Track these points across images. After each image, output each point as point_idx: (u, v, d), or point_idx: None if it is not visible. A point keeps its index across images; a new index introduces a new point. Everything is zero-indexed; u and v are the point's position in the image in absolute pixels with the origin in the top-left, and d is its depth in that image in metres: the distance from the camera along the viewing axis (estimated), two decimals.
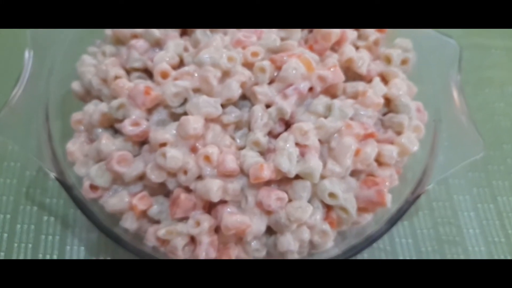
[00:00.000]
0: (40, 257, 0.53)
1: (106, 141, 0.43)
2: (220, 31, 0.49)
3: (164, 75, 0.44)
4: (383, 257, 0.55)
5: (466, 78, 0.56)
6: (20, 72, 0.48)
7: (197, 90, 0.44)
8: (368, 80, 0.50)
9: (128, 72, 0.48)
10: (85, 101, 0.50)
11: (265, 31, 0.48)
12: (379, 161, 0.45)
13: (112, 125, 0.46)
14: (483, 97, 0.69)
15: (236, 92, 0.43)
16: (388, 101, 0.48)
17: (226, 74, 0.44)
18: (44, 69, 0.51)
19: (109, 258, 0.52)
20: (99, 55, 0.51)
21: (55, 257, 0.53)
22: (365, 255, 0.55)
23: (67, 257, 0.52)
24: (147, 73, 0.48)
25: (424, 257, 0.55)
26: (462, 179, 0.61)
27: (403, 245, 0.57)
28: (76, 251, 0.53)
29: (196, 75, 0.44)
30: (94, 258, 0.53)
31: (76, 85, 0.49)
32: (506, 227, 0.59)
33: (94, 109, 0.45)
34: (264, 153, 0.43)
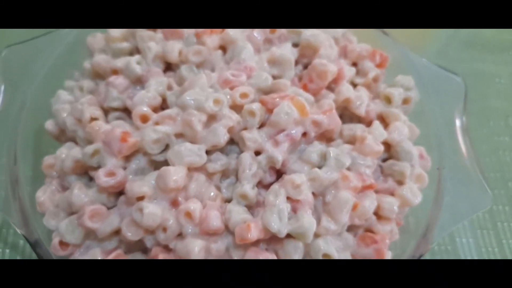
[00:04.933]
0: None
1: (78, 192, 0.39)
2: (207, 67, 0.45)
3: (144, 119, 0.40)
4: None
5: (470, 107, 0.52)
6: None
7: (180, 135, 0.40)
8: (367, 121, 0.46)
9: (107, 111, 0.44)
10: (60, 141, 0.46)
11: (256, 68, 0.44)
12: (378, 214, 0.41)
13: (86, 171, 0.42)
14: (487, 129, 0.66)
15: (223, 138, 0.39)
16: (388, 145, 0.44)
17: (212, 118, 0.40)
18: (15, 103, 0.47)
19: None
20: (76, 90, 0.47)
21: None
22: None
23: None
24: (127, 112, 0.44)
25: None
26: (465, 220, 0.58)
27: None
28: None
29: (179, 119, 0.40)
30: None
31: (49, 124, 0.45)
32: None
33: (67, 154, 0.41)
34: (252, 206, 0.39)
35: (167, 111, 0.40)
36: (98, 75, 0.47)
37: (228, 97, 0.41)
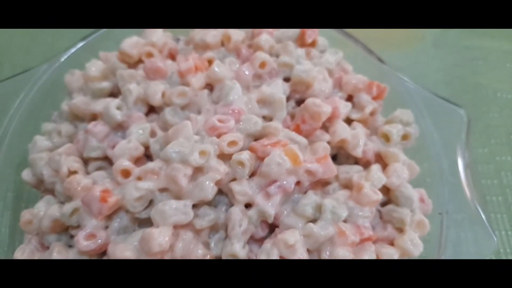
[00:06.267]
0: None
1: (58, 256, 0.36)
2: (193, 108, 0.42)
3: (126, 174, 0.38)
4: None
5: (472, 124, 0.50)
6: None
7: (164, 190, 0.37)
8: (363, 162, 0.44)
9: (87, 159, 0.42)
10: (38, 189, 0.44)
11: (245, 111, 0.41)
12: None
13: (67, 229, 0.39)
14: (488, 148, 0.63)
15: (210, 193, 0.37)
16: (387, 188, 0.42)
17: (198, 170, 0.38)
18: None
19: None
20: (54, 135, 0.44)
21: None
22: None
23: None
24: (108, 160, 0.41)
25: None
26: None
27: None
28: None
29: (162, 173, 0.37)
30: None
31: (26, 175, 0.43)
32: None
33: (45, 212, 0.38)
34: None
35: (149, 165, 0.38)
36: (77, 117, 0.45)
37: (215, 147, 0.38)
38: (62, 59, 0.48)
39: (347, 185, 0.41)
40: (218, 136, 0.39)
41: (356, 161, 0.44)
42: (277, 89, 0.43)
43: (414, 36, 0.75)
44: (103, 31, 0.50)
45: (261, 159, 0.39)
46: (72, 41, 0.51)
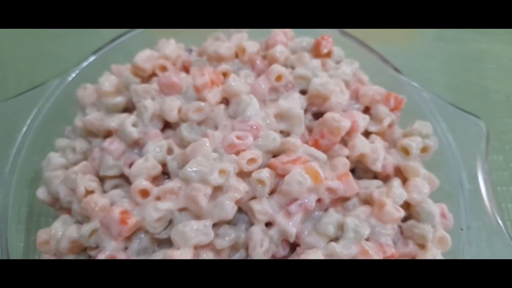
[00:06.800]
0: None
1: None
2: (210, 124, 0.42)
3: (144, 193, 0.37)
4: None
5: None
6: None
7: (183, 209, 0.37)
8: (383, 176, 0.43)
9: (102, 178, 0.41)
10: (54, 207, 0.43)
11: (263, 127, 0.41)
12: None
13: (85, 249, 0.39)
14: (504, 155, 0.63)
15: (231, 213, 0.36)
16: (407, 203, 0.41)
17: (218, 189, 0.37)
18: (5, 163, 0.44)
19: None
20: (68, 151, 0.43)
21: None
22: None
23: None
24: (125, 178, 0.41)
25: None
26: None
27: None
28: None
29: (182, 193, 0.37)
30: None
31: (41, 193, 0.42)
32: None
33: (63, 232, 0.38)
34: None
35: (168, 185, 0.37)
36: (91, 133, 0.44)
37: (235, 164, 0.38)
38: (74, 74, 0.47)
39: (367, 201, 0.41)
40: (237, 153, 0.39)
41: (375, 175, 0.44)
42: (295, 103, 0.42)
43: (414, 36, 0.74)
44: (113, 44, 0.49)
45: (281, 176, 0.38)
46: (75, 49, 0.50)
